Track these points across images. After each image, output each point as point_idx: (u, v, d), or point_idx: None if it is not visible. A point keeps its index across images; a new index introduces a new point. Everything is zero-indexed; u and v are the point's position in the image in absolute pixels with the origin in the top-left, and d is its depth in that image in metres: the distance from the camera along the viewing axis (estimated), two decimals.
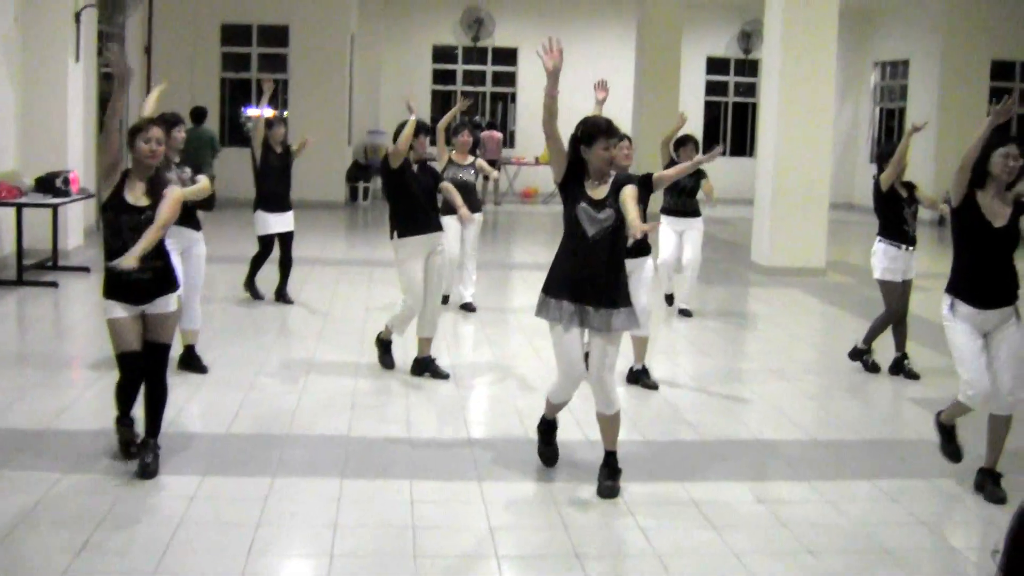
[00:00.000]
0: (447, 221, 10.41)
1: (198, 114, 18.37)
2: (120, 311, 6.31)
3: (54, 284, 12.21)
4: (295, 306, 11.60)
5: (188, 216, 8.06)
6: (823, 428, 7.94)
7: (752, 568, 5.26)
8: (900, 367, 9.37)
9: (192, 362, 8.65)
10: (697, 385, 9.00)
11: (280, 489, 6.08)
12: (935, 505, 6.34)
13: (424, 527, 5.62)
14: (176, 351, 8.73)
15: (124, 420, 6.52)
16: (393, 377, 8.80)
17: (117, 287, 6.28)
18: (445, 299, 11.58)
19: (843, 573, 5.28)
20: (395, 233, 8.72)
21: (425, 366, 8.85)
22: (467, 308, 11.68)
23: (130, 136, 6.32)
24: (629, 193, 6.08)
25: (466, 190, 10.87)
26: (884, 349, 9.54)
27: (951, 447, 6.77)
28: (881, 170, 9.21)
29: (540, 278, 6.53)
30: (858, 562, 5.45)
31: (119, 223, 6.32)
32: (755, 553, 5.45)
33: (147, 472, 6.18)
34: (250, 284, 11.84)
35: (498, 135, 24.75)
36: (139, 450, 6.34)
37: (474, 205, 11.25)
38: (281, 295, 11.77)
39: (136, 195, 6.32)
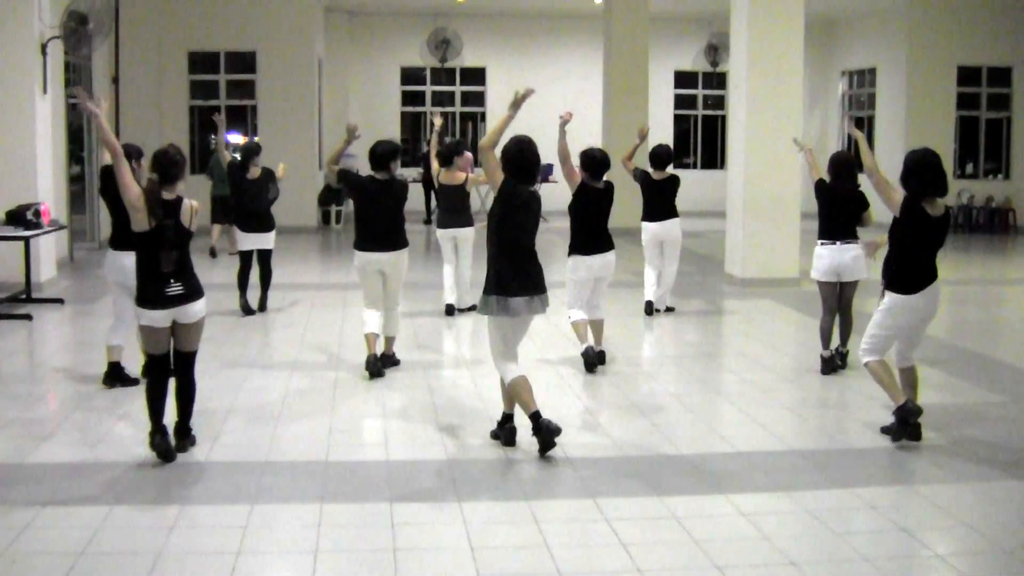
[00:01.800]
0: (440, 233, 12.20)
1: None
2: (152, 319, 6.91)
3: (28, 317, 12.14)
4: (268, 329, 11.66)
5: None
6: (800, 438, 7.97)
7: None
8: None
9: (121, 377, 8.99)
10: (674, 398, 9.01)
11: (260, 516, 6.06)
12: (915, 512, 6.36)
13: (405, 549, 5.61)
14: (102, 368, 8.89)
15: (156, 435, 6.94)
16: (370, 401, 8.79)
17: (148, 297, 6.89)
18: (450, 309, 12.30)
19: None
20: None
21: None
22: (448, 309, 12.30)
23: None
24: None
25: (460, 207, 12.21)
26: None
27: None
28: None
29: None
30: (839, 571, 5.46)
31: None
32: (737, 566, 5.46)
33: (169, 456, 6.94)
34: (241, 300, 12.42)
35: (469, 155, 24.64)
36: (178, 438, 7.10)
37: (466, 220, 12.36)
38: (261, 305, 12.54)
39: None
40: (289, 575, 5.38)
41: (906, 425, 7.38)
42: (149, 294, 6.87)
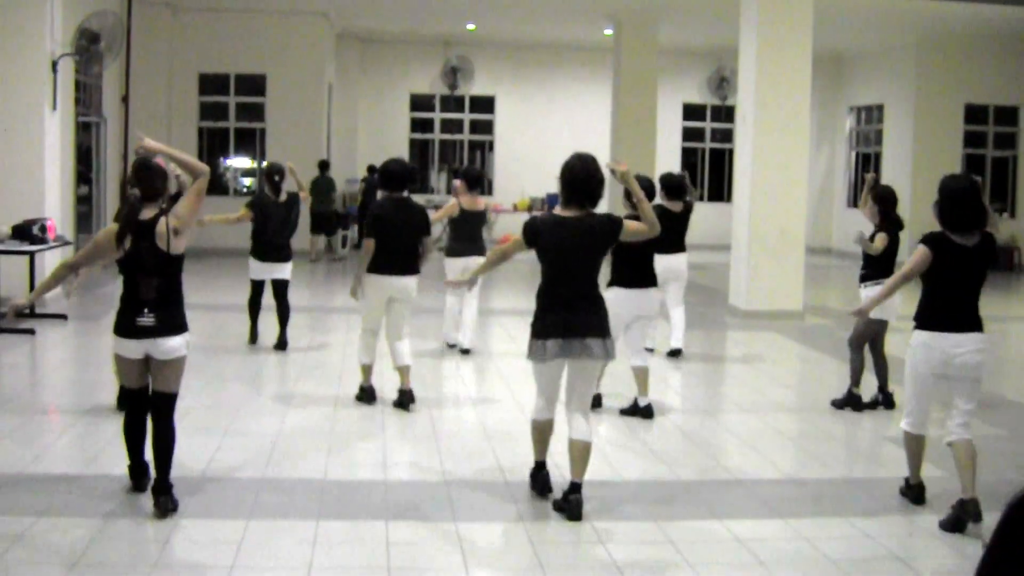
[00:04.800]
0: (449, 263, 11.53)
1: (324, 165, 21.74)
2: (123, 348, 6.29)
3: (31, 331, 12.17)
4: (269, 354, 11.54)
5: None
6: (800, 466, 7.96)
7: None
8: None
9: None
10: (674, 425, 9.00)
11: (255, 532, 6.04)
12: (912, 542, 6.34)
13: (400, 568, 5.60)
14: (103, 384, 8.79)
15: (134, 469, 6.59)
16: (368, 419, 8.78)
17: (120, 325, 6.27)
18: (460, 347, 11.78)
19: None
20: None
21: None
22: (465, 352, 11.74)
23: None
24: None
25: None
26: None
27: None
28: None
29: (519, 324, 6.62)
30: None
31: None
32: None
33: (165, 513, 6.23)
34: (252, 329, 11.91)
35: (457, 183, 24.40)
36: (155, 496, 6.30)
37: (480, 249, 11.61)
38: (280, 343, 11.66)
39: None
40: None
41: (905, 495, 7.03)
42: (121, 322, 6.24)
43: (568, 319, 6.43)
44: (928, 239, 6.58)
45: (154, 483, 6.34)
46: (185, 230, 6.27)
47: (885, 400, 9.52)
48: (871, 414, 9.37)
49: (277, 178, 11.76)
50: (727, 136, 27.97)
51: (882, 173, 25.02)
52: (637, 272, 8.91)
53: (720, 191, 28.54)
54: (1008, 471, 7.88)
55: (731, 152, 26.57)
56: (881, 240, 9.20)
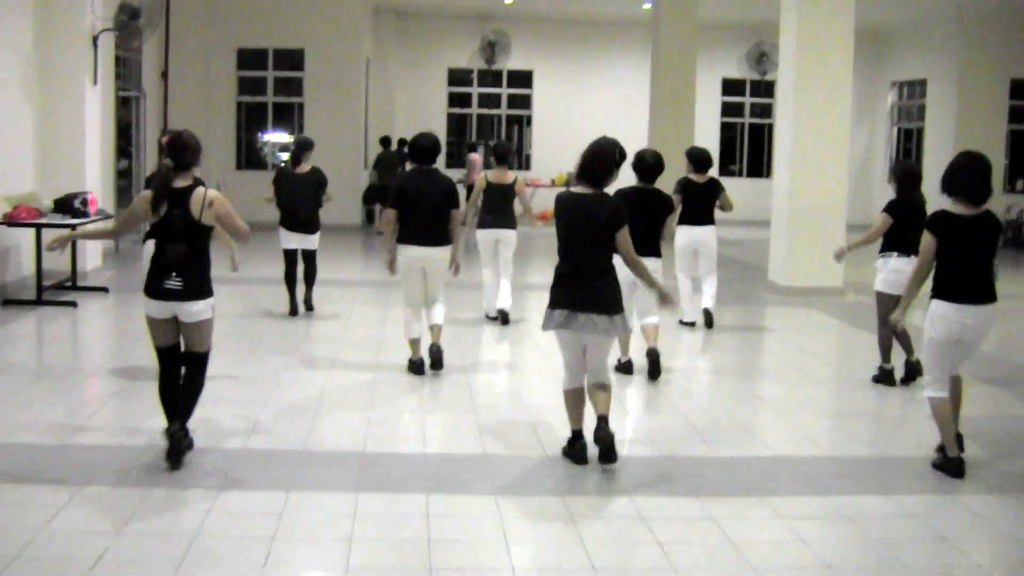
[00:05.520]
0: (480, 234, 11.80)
1: (385, 141, 22.47)
2: (151, 309, 6.63)
3: (73, 304, 12.25)
4: (310, 325, 11.66)
5: None
6: (840, 444, 7.90)
7: None
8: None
9: None
10: (714, 402, 8.97)
11: (295, 504, 6.07)
12: (956, 521, 6.27)
13: (439, 541, 5.60)
14: (144, 356, 8.96)
15: (170, 428, 6.66)
16: (407, 391, 8.81)
17: (148, 286, 6.61)
18: (501, 316, 11.98)
19: None
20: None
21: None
22: (502, 317, 11.92)
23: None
24: None
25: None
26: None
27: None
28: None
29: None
30: None
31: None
32: (774, 569, 5.41)
33: (174, 454, 6.54)
34: (291, 300, 12.14)
35: (478, 157, 24.41)
36: (176, 432, 6.59)
37: (510, 222, 11.90)
38: (306, 302, 12.24)
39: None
40: (323, 562, 5.37)
41: (943, 468, 7.08)
42: (149, 284, 6.57)
43: (574, 293, 6.79)
44: (930, 224, 7.04)
45: (171, 424, 6.64)
46: (218, 212, 6.60)
47: (910, 371, 9.47)
48: (911, 390, 9.28)
49: (293, 149, 12.32)
50: (766, 111, 27.75)
51: (924, 149, 24.81)
52: (636, 243, 8.88)
53: (759, 167, 28.32)
54: None
55: (770, 127, 26.39)
56: (880, 221, 9.33)
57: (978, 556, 5.74)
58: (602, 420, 6.79)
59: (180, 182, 6.55)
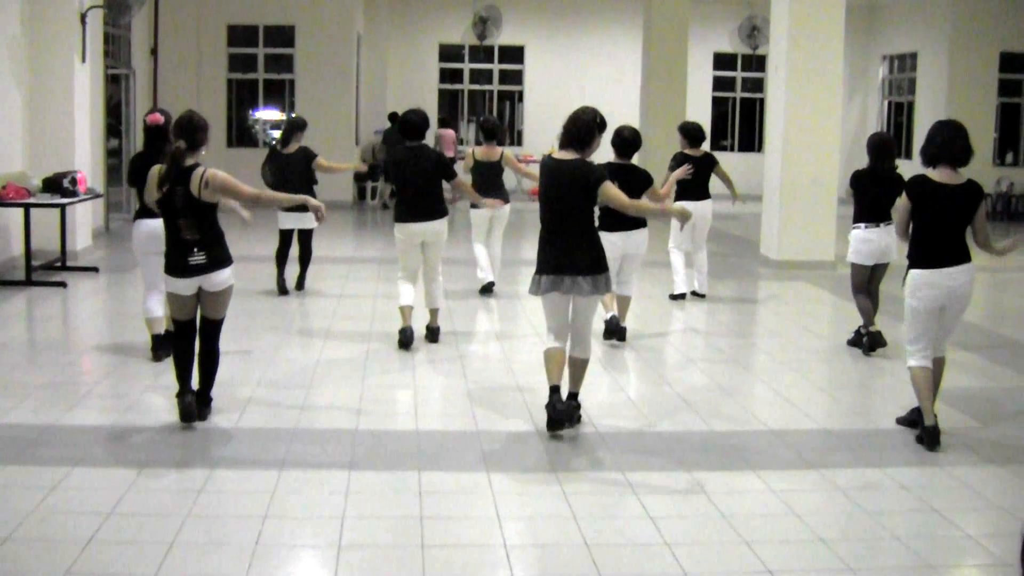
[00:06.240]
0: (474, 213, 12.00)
1: (393, 117, 21.84)
2: (176, 287, 6.90)
3: (62, 284, 12.21)
4: (302, 302, 11.69)
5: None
6: (832, 417, 7.91)
7: (763, 556, 5.22)
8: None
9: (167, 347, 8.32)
10: (707, 376, 8.97)
11: (287, 482, 6.07)
12: (947, 493, 6.28)
13: (432, 518, 5.60)
14: (134, 335, 9.08)
15: (183, 394, 6.94)
16: (399, 366, 8.80)
17: (173, 265, 6.87)
18: (488, 288, 12.19)
19: (855, 561, 5.23)
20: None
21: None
22: (488, 287, 12.12)
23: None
24: None
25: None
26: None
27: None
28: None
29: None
30: (869, 550, 5.41)
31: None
32: (766, 542, 5.42)
33: (191, 416, 6.93)
34: (279, 279, 12.13)
35: (450, 132, 24.31)
36: (190, 399, 6.93)
37: (502, 197, 12.01)
38: (299, 284, 12.25)
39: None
40: (316, 540, 5.37)
41: (922, 440, 7.13)
42: (173, 262, 6.86)
43: (559, 257, 7.00)
44: (908, 186, 7.19)
45: (197, 393, 7.04)
46: (216, 189, 6.77)
47: (860, 338, 9.82)
48: (892, 361, 9.29)
49: (284, 128, 12.34)
50: (758, 85, 27.71)
51: (915, 122, 24.78)
52: (621, 217, 9.09)
53: (751, 141, 28.31)
54: None
55: (762, 102, 26.39)
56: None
57: (970, 528, 5.76)
58: (572, 396, 7.21)
59: (189, 160, 6.80)
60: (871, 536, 5.58)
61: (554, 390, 7.04)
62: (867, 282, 9.79)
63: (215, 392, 7.26)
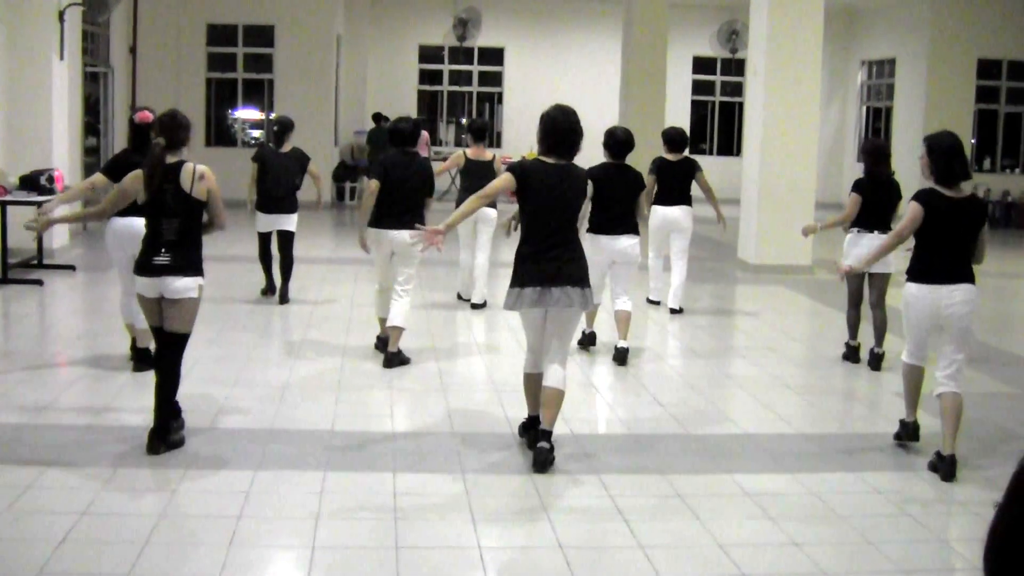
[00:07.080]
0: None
1: (377, 117, 22.24)
2: (141, 287, 6.60)
3: (39, 282, 12.16)
4: (281, 305, 11.52)
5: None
6: (809, 422, 7.94)
7: (737, 560, 5.24)
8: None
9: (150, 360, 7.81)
10: (683, 379, 8.99)
11: (262, 482, 6.05)
12: (921, 497, 6.31)
13: (407, 519, 5.59)
14: (111, 335, 8.90)
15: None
16: (377, 371, 8.78)
17: (139, 263, 6.63)
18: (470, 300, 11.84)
19: (829, 565, 5.25)
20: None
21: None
22: (475, 306, 11.74)
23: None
24: None
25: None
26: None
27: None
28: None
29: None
30: (844, 554, 5.43)
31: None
32: (741, 545, 5.44)
33: (166, 446, 6.51)
34: (267, 280, 11.92)
35: (424, 134, 24.04)
36: (149, 440, 6.48)
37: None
38: (282, 297, 11.60)
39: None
40: (290, 540, 5.36)
41: (900, 438, 7.13)
42: (140, 260, 6.58)
43: (547, 268, 6.51)
44: (920, 196, 6.78)
45: (151, 430, 6.50)
46: (208, 183, 6.65)
47: (852, 353, 9.64)
48: (883, 370, 9.33)
49: (276, 129, 11.99)
50: (737, 90, 27.78)
51: (892, 128, 24.89)
52: (611, 219, 9.12)
53: (729, 145, 28.40)
54: (1017, 427, 7.87)
55: (741, 106, 26.42)
56: (852, 201, 9.35)
57: (944, 532, 5.79)
58: (545, 435, 6.47)
59: (171, 159, 6.60)
60: (845, 540, 5.60)
61: (532, 421, 6.80)
62: (859, 292, 9.50)
63: (186, 404, 6.96)
